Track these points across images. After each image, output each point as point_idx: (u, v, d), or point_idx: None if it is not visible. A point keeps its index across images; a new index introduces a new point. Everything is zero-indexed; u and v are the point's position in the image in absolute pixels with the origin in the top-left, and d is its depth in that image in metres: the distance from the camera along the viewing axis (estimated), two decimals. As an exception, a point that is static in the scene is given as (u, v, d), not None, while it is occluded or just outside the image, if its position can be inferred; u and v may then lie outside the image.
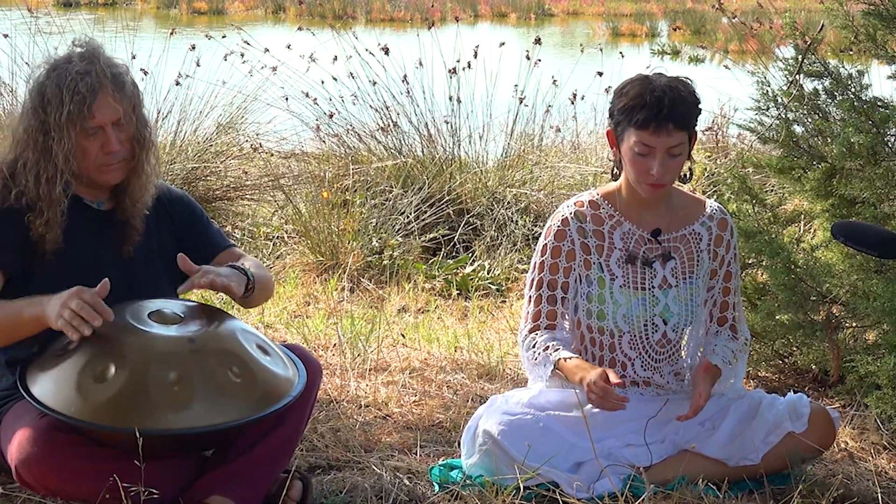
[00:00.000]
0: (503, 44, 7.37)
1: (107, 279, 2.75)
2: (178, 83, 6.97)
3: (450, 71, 7.01)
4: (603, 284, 3.23)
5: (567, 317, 3.29)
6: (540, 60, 7.29)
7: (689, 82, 3.16)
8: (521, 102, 7.18)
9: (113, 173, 2.96)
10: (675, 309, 3.25)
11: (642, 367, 3.27)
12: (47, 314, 2.72)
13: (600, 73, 7.18)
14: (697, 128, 3.17)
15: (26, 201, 2.89)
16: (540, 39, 7.39)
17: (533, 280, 3.28)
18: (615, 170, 3.25)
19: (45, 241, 2.90)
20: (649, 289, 3.24)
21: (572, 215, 3.25)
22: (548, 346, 3.19)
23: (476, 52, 7.08)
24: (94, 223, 2.99)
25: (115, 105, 2.90)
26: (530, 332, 3.26)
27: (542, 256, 3.27)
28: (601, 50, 7.64)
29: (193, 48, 7.28)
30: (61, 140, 2.86)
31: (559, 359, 3.15)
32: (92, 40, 2.98)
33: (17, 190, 2.89)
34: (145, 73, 6.68)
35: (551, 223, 3.27)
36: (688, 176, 3.25)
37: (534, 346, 3.22)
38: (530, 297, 3.28)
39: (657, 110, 3.03)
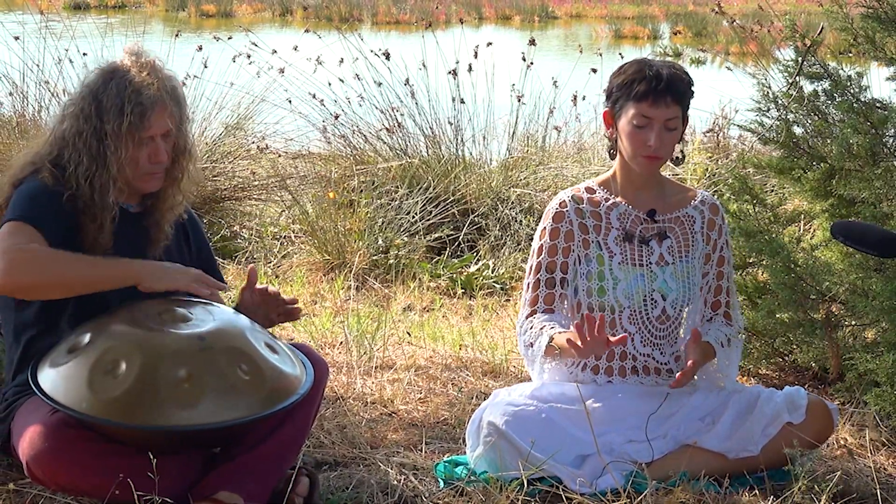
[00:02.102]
0: (490, 44, 7.40)
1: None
2: (184, 84, 6.96)
3: (450, 72, 7.04)
4: (602, 262, 3.30)
5: (566, 300, 3.34)
6: (532, 63, 7.32)
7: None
8: (520, 101, 7.21)
9: (154, 182, 3.00)
10: (673, 285, 3.31)
11: (642, 342, 3.32)
12: (143, 275, 2.83)
13: (594, 70, 7.22)
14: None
15: (82, 204, 2.91)
16: (535, 41, 7.43)
17: (532, 266, 3.34)
18: (611, 150, 3.34)
19: (97, 245, 2.91)
20: (647, 265, 3.31)
21: (570, 198, 3.33)
22: (543, 326, 3.24)
23: (476, 53, 7.10)
24: (122, 225, 2.98)
25: (170, 117, 2.93)
26: (527, 317, 3.31)
27: (540, 240, 3.33)
28: (600, 54, 7.67)
29: (200, 49, 7.30)
30: (118, 149, 2.88)
31: (553, 334, 3.19)
32: (144, 49, 2.98)
33: (70, 192, 2.90)
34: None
35: (549, 207, 3.35)
36: (680, 158, 3.35)
37: (530, 329, 3.28)
38: (528, 283, 3.34)
39: (656, 83, 3.17)
